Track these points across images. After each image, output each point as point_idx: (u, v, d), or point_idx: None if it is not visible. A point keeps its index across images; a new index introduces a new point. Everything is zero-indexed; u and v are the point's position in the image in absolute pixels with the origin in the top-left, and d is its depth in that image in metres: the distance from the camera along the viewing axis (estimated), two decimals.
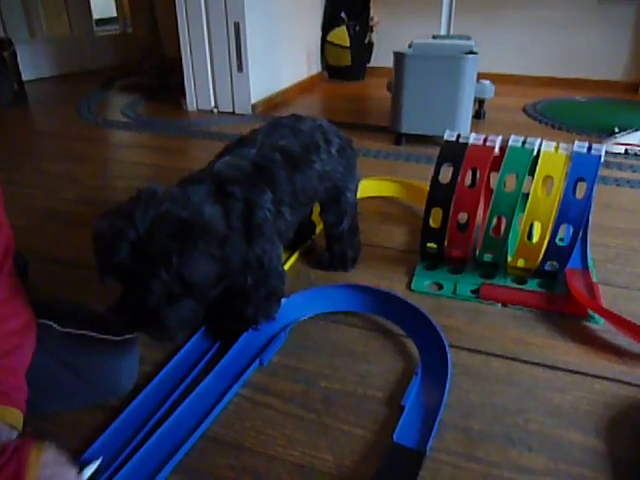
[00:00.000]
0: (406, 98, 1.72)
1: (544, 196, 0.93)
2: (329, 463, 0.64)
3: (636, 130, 1.77)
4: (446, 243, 1.02)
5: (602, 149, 0.94)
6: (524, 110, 2.35)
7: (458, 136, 1.03)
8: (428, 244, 1.05)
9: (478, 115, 2.14)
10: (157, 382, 0.75)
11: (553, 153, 0.96)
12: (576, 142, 0.96)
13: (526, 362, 0.80)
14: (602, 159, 0.93)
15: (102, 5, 3.43)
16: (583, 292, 0.94)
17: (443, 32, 2.37)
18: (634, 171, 1.60)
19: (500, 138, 1.00)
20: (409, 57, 1.66)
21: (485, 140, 1.01)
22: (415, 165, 1.65)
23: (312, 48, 2.97)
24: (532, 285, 0.99)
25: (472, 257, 1.06)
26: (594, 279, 1.00)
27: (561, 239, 0.94)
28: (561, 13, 2.76)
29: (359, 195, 1.06)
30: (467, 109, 1.72)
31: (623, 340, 0.85)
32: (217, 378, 0.75)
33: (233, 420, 0.70)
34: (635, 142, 1.73)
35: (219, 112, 2.33)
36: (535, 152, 0.96)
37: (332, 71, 3.09)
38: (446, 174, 0.99)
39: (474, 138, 1.01)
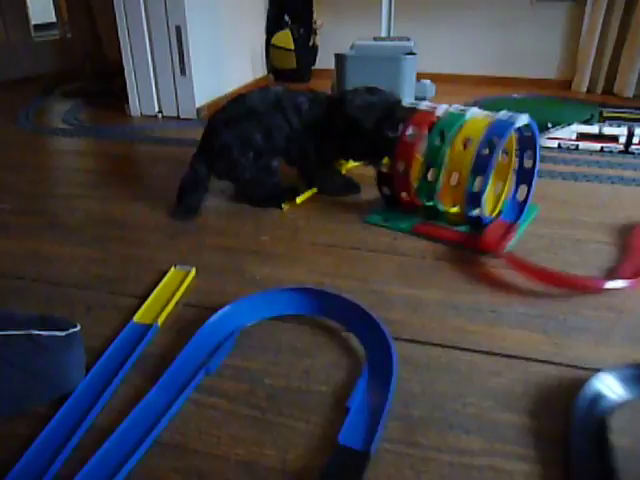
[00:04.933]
0: None
1: (462, 151, 1.12)
2: (273, 458, 0.65)
3: (568, 125, 1.85)
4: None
5: (521, 119, 1.11)
6: None
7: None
8: (383, 188, 1.28)
9: None
10: (84, 387, 0.74)
11: (480, 119, 1.15)
12: (502, 112, 1.15)
13: (465, 349, 0.83)
14: (515, 126, 1.10)
15: (41, 10, 3.33)
16: (494, 235, 1.13)
17: (384, 34, 2.42)
18: (567, 164, 1.68)
19: (445, 106, 1.20)
20: (350, 58, 1.69)
21: (434, 108, 1.21)
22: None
23: (257, 51, 2.97)
24: (463, 229, 1.19)
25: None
26: (518, 233, 1.18)
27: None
28: (497, 14, 2.87)
29: None
30: None
31: (555, 322, 0.89)
32: (162, 390, 0.74)
33: (177, 423, 0.70)
34: (567, 136, 1.81)
35: (163, 117, 2.30)
36: (467, 117, 1.15)
37: (278, 74, 3.10)
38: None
39: (425, 105, 1.24)
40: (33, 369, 0.70)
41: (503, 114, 1.14)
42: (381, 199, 1.33)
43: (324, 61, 3.08)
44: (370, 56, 1.70)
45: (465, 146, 1.13)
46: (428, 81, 2.08)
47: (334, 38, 3.03)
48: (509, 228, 1.19)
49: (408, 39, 1.99)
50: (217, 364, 0.79)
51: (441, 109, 1.20)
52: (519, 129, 1.16)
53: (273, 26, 3.01)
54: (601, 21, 2.68)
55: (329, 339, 0.86)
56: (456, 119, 1.16)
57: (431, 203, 1.22)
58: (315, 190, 1.41)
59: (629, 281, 0.98)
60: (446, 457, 0.65)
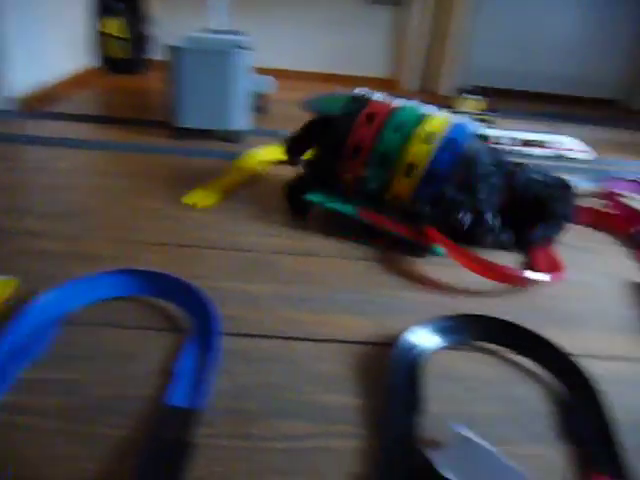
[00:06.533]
0: (180, 92, 1.70)
1: (421, 143, 1.15)
2: (92, 472, 0.61)
3: None
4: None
5: (478, 127, 1.27)
6: (300, 104, 2.48)
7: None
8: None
9: (260, 109, 2.20)
10: None
11: (440, 116, 1.21)
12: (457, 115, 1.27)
13: (296, 339, 0.86)
14: (473, 129, 1.22)
15: None
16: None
17: (216, 26, 2.39)
18: None
19: (402, 100, 1.26)
20: (180, 50, 1.65)
21: (389, 99, 1.26)
22: (197, 160, 1.65)
23: (84, 40, 2.76)
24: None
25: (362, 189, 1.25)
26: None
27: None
28: (334, 14, 2.99)
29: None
30: (242, 103, 1.77)
31: (378, 305, 0.96)
32: None
33: None
34: None
35: None
36: (423, 113, 1.21)
37: (110, 63, 2.91)
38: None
39: (377, 96, 1.27)
40: None
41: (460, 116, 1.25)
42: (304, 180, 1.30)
43: (162, 52, 2.96)
44: (201, 49, 1.67)
45: (425, 141, 1.16)
46: (267, 77, 2.10)
47: (169, 28, 2.92)
48: None
49: (240, 33, 1.98)
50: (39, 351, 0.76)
51: (398, 101, 1.25)
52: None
53: (104, 13, 2.81)
54: (421, 22, 2.92)
55: (157, 340, 0.83)
56: (415, 112, 1.21)
57: (374, 190, 1.22)
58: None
59: (550, 275, 1.08)
60: (278, 445, 0.67)
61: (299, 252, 1.14)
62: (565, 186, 1.23)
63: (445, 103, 2.25)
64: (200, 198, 1.34)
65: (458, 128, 1.19)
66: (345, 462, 0.65)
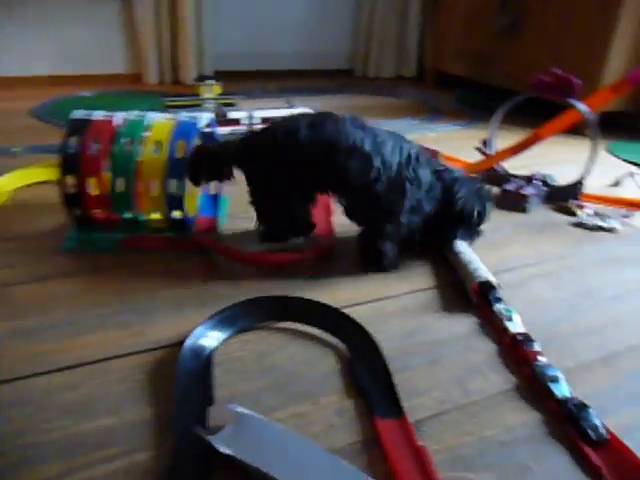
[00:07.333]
0: None
1: (153, 157, 1.10)
2: None
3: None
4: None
5: (203, 118, 1.20)
6: (32, 114, 2.25)
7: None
8: (73, 209, 1.13)
9: None
10: None
11: (164, 122, 1.16)
12: (183, 113, 1.23)
13: (39, 374, 0.78)
14: (200, 125, 1.16)
15: None
16: (204, 232, 1.20)
17: None
18: None
19: (122, 114, 1.17)
20: None
21: (108, 117, 1.16)
22: None
23: None
24: (169, 234, 1.17)
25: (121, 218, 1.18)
26: (220, 226, 1.26)
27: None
28: (52, 12, 2.72)
29: None
30: None
31: (132, 313, 0.92)
32: None
33: None
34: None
35: None
36: (149, 123, 1.15)
37: None
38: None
39: (97, 115, 1.16)
40: None
41: (184, 115, 1.20)
42: (72, 222, 1.16)
43: None
44: None
45: (154, 151, 1.11)
46: None
47: None
48: (212, 222, 1.27)
49: None
50: None
51: (119, 116, 1.16)
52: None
53: None
54: (152, 13, 2.83)
55: None
56: (138, 125, 1.14)
57: (130, 215, 1.17)
58: None
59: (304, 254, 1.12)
60: None
61: (33, 279, 1.02)
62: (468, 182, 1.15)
63: (191, 92, 2.24)
64: None
65: (183, 128, 1.16)
66: None
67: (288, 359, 0.83)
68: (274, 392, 0.76)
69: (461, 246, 1.13)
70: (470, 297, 1.00)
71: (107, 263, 1.09)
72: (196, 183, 1.14)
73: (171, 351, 0.83)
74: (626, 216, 1.45)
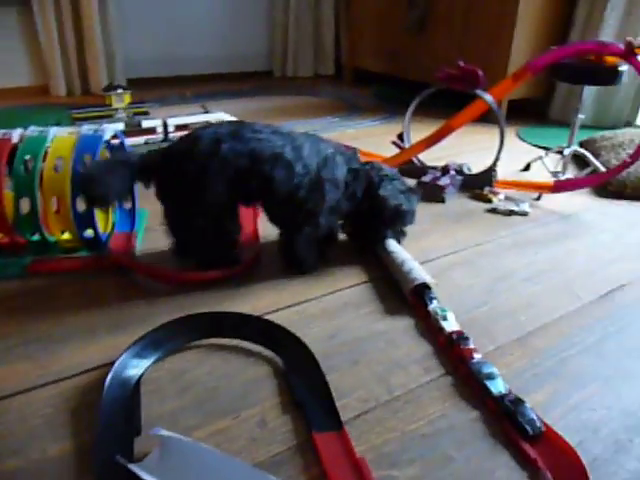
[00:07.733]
0: None
1: (55, 174, 1.04)
2: None
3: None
4: None
5: (109, 129, 1.15)
6: None
7: None
8: None
9: None
10: None
11: (65, 137, 1.10)
12: (85, 126, 1.18)
13: None
14: (105, 138, 1.11)
15: None
16: (120, 249, 1.14)
17: None
18: None
19: (19, 130, 1.10)
20: None
21: (6, 134, 1.09)
22: None
23: None
24: (83, 253, 1.12)
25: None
26: (137, 242, 1.20)
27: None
28: None
29: None
30: None
31: (38, 344, 0.86)
32: None
33: None
34: None
35: None
36: (50, 138, 1.09)
37: None
38: None
39: None
40: None
41: (87, 128, 1.14)
42: None
43: None
44: None
45: (56, 168, 1.05)
46: None
47: None
48: (129, 237, 1.20)
49: None
50: None
51: (16, 134, 1.10)
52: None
53: None
54: (54, 20, 2.68)
55: None
56: (39, 142, 1.08)
57: (37, 237, 1.11)
58: None
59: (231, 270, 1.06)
60: None
61: None
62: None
63: (102, 103, 2.14)
64: None
65: (86, 142, 1.09)
66: None
67: (207, 374, 0.80)
68: (192, 411, 0.73)
69: (393, 245, 1.13)
70: (405, 297, 1.00)
71: (11, 290, 1.01)
72: (105, 204, 1.09)
73: (80, 380, 0.78)
74: (537, 199, 1.52)
